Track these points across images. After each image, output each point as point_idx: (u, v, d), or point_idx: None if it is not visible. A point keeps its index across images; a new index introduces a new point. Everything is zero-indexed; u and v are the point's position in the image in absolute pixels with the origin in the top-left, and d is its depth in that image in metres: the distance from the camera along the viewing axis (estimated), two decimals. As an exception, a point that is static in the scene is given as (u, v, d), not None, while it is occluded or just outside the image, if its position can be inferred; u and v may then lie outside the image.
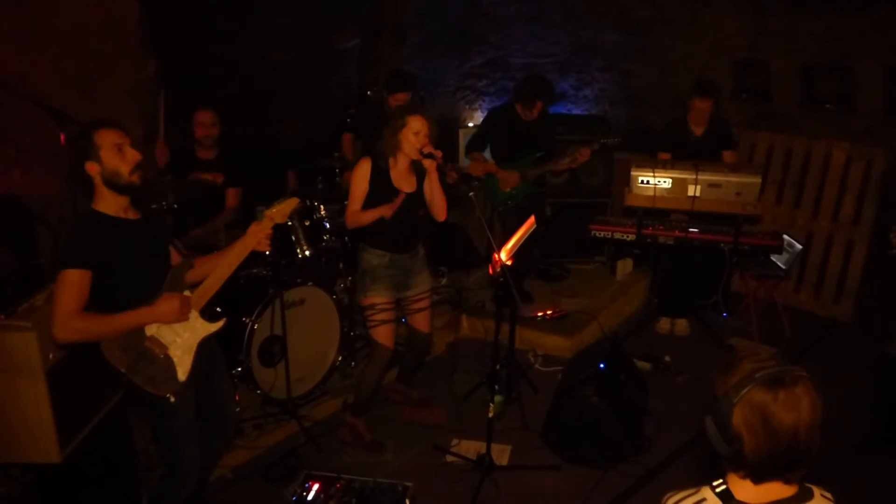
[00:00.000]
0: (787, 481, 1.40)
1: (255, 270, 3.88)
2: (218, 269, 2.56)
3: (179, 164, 4.05)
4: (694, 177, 4.10)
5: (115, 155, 2.33)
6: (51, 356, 2.61)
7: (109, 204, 2.39)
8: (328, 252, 4.24)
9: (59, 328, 2.28)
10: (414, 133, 3.21)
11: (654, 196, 4.16)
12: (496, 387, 3.49)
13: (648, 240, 4.35)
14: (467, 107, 7.03)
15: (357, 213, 3.32)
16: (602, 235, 4.42)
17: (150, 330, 2.46)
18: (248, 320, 3.65)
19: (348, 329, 4.19)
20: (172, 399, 2.47)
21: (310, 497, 2.79)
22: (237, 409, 3.68)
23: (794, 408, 1.33)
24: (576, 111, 6.76)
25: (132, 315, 2.40)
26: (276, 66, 5.63)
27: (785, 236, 4.62)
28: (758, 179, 4.11)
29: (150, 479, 3.13)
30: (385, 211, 3.25)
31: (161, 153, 4.04)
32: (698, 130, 4.55)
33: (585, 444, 3.48)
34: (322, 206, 4.08)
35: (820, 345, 4.83)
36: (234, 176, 4.20)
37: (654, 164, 4.21)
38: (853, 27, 4.90)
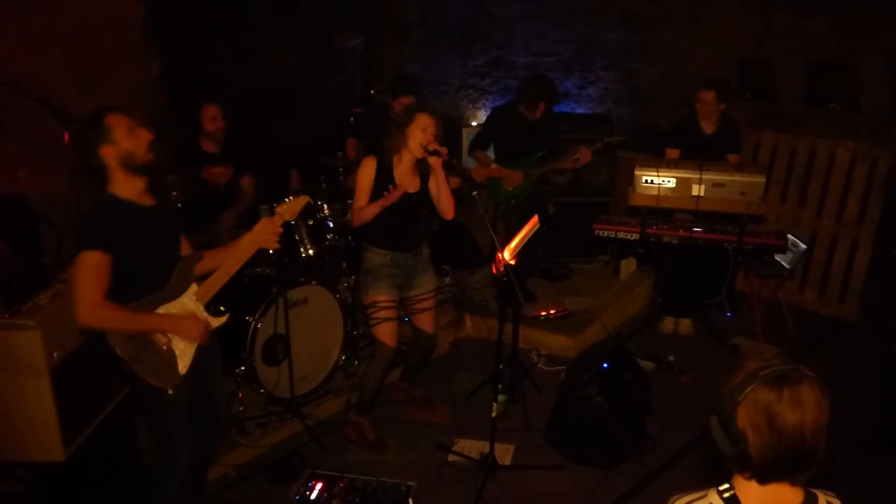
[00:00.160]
0: (794, 483, 1.38)
1: (258, 269, 3.89)
2: (226, 263, 2.56)
3: (186, 159, 4.04)
4: (698, 176, 4.09)
5: (128, 135, 2.33)
6: (55, 355, 2.62)
7: (125, 187, 2.38)
8: (331, 251, 4.24)
9: (85, 314, 2.28)
10: (422, 129, 3.22)
11: (658, 195, 4.15)
12: (499, 386, 3.49)
13: (652, 239, 4.34)
14: (470, 106, 7.03)
15: (361, 209, 3.34)
16: (606, 235, 4.41)
17: None
18: (251, 319, 3.65)
19: (351, 328, 4.19)
20: (170, 391, 2.47)
21: (313, 496, 2.79)
22: (241, 409, 3.70)
23: (799, 407, 1.31)
24: (579, 110, 6.75)
25: (156, 318, 2.42)
26: (279, 65, 5.64)
27: (789, 236, 4.60)
28: (762, 179, 4.09)
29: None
30: (382, 202, 3.25)
31: None
32: (708, 128, 4.53)
33: (589, 443, 3.47)
34: (325, 205, 4.08)
35: (824, 344, 4.82)
36: (243, 164, 4.19)
37: (660, 162, 4.20)
38: (858, 26, 4.89)
